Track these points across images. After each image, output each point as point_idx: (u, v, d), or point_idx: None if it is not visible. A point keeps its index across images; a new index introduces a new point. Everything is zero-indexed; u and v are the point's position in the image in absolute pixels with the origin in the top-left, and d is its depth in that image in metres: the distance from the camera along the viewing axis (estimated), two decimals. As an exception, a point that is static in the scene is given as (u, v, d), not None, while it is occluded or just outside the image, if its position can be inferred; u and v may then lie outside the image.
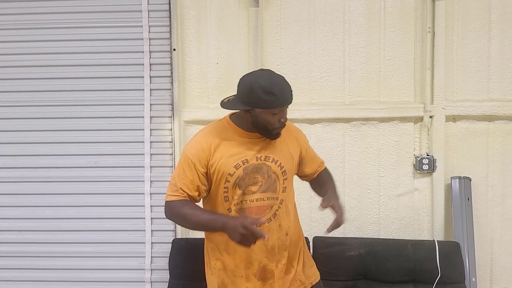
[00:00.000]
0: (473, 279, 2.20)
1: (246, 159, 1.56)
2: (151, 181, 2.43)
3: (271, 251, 1.60)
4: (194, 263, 2.18)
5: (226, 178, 1.55)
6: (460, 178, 2.31)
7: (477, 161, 2.36)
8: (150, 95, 2.42)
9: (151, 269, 2.45)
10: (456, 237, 2.25)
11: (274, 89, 1.47)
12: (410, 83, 2.37)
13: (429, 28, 2.30)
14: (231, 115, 1.66)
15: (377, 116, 2.36)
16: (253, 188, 1.58)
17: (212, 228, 1.51)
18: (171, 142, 2.41)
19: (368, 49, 2.37)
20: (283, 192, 1.63)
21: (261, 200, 1.59)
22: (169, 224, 2.42)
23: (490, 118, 2.33)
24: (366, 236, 2.37)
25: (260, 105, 1.48)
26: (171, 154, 2.42)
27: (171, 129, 2.41)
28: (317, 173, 1.82)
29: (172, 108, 2.40)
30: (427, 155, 2.34)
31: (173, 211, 1.55)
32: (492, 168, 2.36)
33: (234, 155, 1.56)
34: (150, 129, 2.42)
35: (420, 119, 2.34)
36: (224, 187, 1.57)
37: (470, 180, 2.32)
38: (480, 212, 2.35)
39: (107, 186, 2.46)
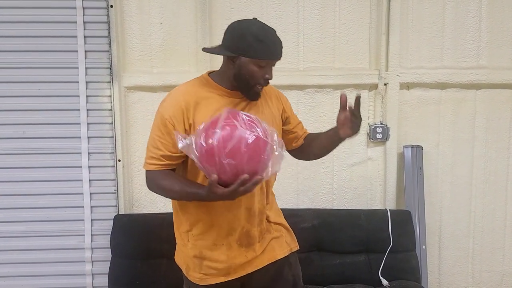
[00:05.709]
0: (423, 246, 2.22)
1: None
2: (89, 153, 2.22)
3: (253, 214, 1.47)
4: (137, 240, 2.04)
5: None
6: (412, 146, 2.29)
7: (429, 129, 2.34)
8: (85, 57, 2.17)
9: (92, 248, 2.26)
10: (407, 205, 2.24)
11: (266, 38, 1.35)
12: (365, 49, 2.28)
13: (385, -10, 2.21)
14: (210, 73, 1.48)
15: (331, 83, 2.26)
16: None
17: (197, 199, 1.37)
18: (111, 110, 2.20)
19: (323, 11, 2.25)
20: None
21: None
22: (110, 199, 2.23)
23: (442, 86, 2.31)
24: (319, 207, 2.31)
25: (249, 53, 1.34)
26: (111, 123, 2.20)
27: (111, 96, 2.19)
28: (306, 134, 1.69)
29: (111, 72, 2.17)
30: (381, 123, 2.29)
31: (154, 183, 1.39)
32: (443, 137, 2.35)
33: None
34: (86, 96, 2.19)
35: (375, 86, 2.28)
36: None
37: (422, 149, 2.31)
38: (431, 180, 2.35)
39: (38, 159, 2.21)
